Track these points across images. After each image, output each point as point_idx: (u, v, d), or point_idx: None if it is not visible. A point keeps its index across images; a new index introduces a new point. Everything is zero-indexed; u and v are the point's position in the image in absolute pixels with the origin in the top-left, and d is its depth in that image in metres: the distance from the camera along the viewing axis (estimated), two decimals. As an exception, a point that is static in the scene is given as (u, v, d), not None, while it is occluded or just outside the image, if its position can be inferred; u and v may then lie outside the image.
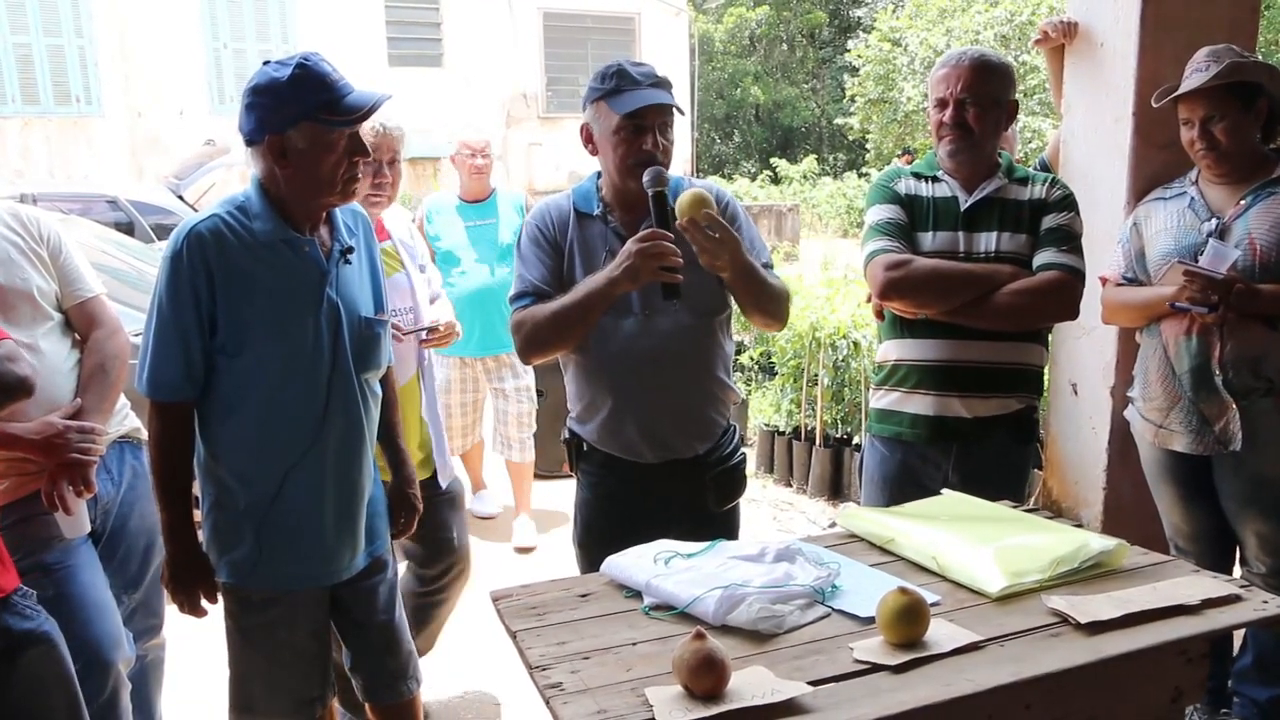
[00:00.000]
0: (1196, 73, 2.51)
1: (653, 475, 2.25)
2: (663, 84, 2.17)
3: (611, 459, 2.28)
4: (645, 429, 2.23)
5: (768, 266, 2.25)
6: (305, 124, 1.88)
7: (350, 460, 2.06)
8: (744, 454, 2.40)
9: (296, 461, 1.98)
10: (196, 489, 2.09)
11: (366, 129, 2.51)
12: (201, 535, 2.07)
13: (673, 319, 2.19)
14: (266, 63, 1.93)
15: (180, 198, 9.50)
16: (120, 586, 2.39)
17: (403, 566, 3.02)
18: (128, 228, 8.11)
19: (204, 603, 2.07)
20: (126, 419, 2.44)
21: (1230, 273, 2.41)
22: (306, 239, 1.98)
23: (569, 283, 2.20)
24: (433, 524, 2.84)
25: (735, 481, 2.36)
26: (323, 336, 1.98)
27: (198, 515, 2.09)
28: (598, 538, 2.28)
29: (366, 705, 2.32)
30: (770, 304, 2.24)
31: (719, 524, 2.27)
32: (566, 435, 2.38)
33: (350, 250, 2.06)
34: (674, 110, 2.18)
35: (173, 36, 13.55)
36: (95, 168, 12.43)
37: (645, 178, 2.11)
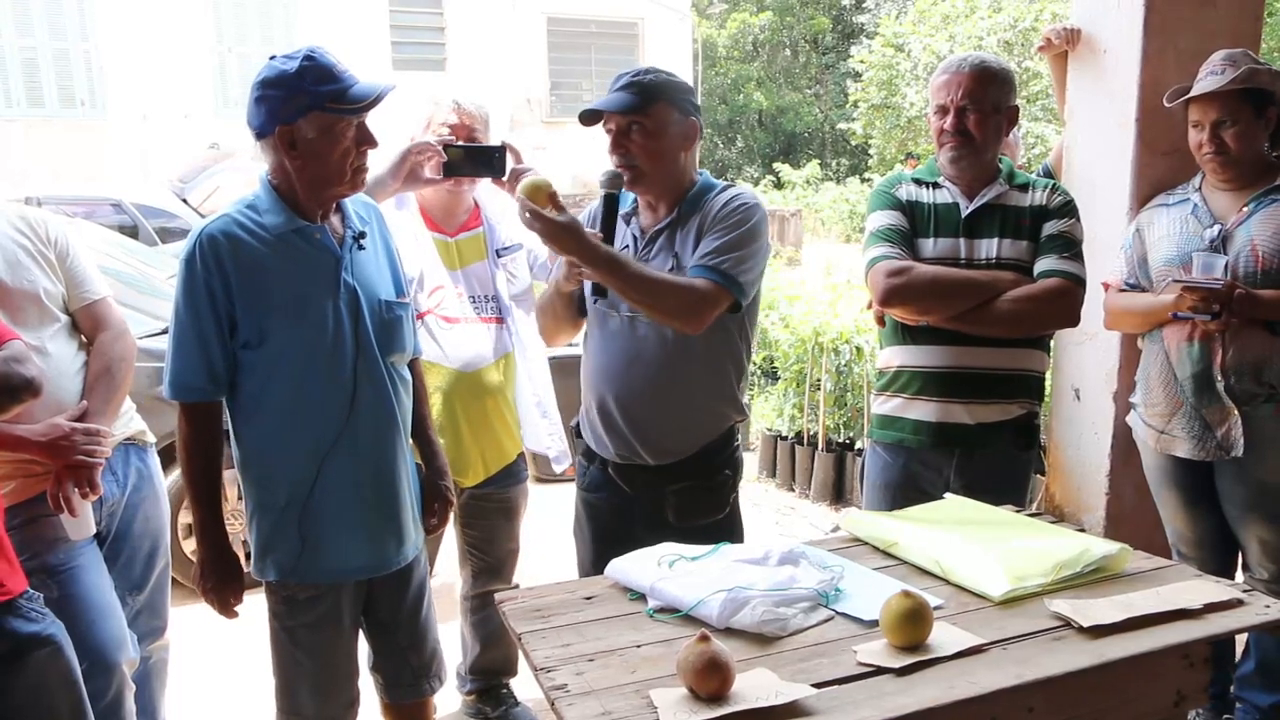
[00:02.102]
0: (1211, 75, 2.51)
1: (620, 474, 2.32)
2: (632, 86, 2.17)
3: (593, 451, 2.37)
4: (610, 426, 2.28)
5: (711, 268, 2.13)
6: (314, 114, 1.92)
7: (385, 444, 2.08)
8: (728, 475, 2.35)
9: (330, 448, 2.00)
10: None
11: (446, 108, 2.62)
12: (250, 543, 2.09)
13: (654, 325, 2.21)
14: (273, 57, 1.96)
15: (184, 201, 9.52)
16: (125, 588, 2.40)
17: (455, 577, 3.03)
18: (132, 231, 8.13)
19: (235, 604, 2.08)
20: (132, 421, 2.45)
21: (1229, 279, 2.42)
22: (317, 226, 2.02)
23: None
24: (501, 534, 2.92)
25: (702, 502, 2.30)
26: (344, 321, 2.01)
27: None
28: (581, 527, 2.43)
29: (382, 704, 2.32)
30: (638, 292, 2.10)
31: (685, 539, 2.02)
32: (574, 422, 2.46)
33: (363, 235, 2.08)
34: (629, 112, 2.16)
35: (177, 40, 13.56)
36: (100, 171, 12.45)
37: (599, 177, 2.20)
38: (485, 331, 2.73)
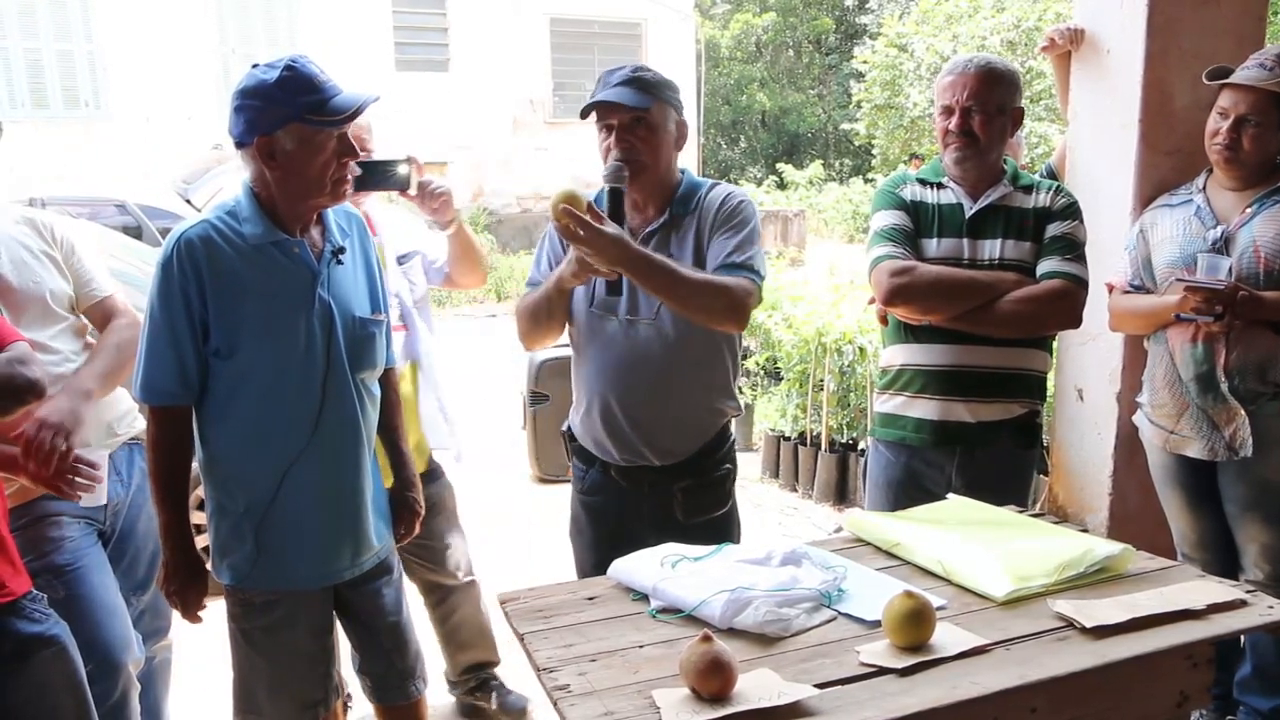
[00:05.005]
0: (1259, 68, 2.47)
1: (623, 475, 2.30)
2: (634, 82, 2.17)
3: (589, 454, 2.35)
4: (613, 430, 2.27)
5: (742, 266, 2.16)
6: (293, 125, 1.90)
7: (348, 460, 2.07)
8: (728, 469, 2.37)
9: (293, 462, 1.99)
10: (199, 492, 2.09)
11: None
12: (209, 542, 2.09)
13: (654, 326, 2.21)
14: (255, 66, 1.95)
15: (188, 202, 9.53)
16: (129, 588, 2.40)
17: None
18: (136, 232, 8.16)
19: (199, 609, 2.08)
20: (136, 420, 2.45)
21: (1232, 281, 2.41)
22: (296, 240, 2.00)
23: None
24: (435, 530, 2.89)
25: (708, 498, 2.33)
26: (315, 337, 2.00)
27: (199, 518, 2.10)
28: (581, 530, 2.40)
29: (374, 706, 2.32)
30: (689, 297, 2.11)
31: (692, 535, 2.10)
32: (564, 427, 2.44)
33: (342, 250, 2.07)
34: (638, 107, 2.15)
35: (181, 41, 13.58)
36: (104, 172, 12.48)
37: (603, 172, 2.16)
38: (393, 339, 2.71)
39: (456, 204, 2.76)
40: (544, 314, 2.28)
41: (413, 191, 2.57)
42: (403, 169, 2.51)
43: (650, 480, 2.29)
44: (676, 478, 2.28)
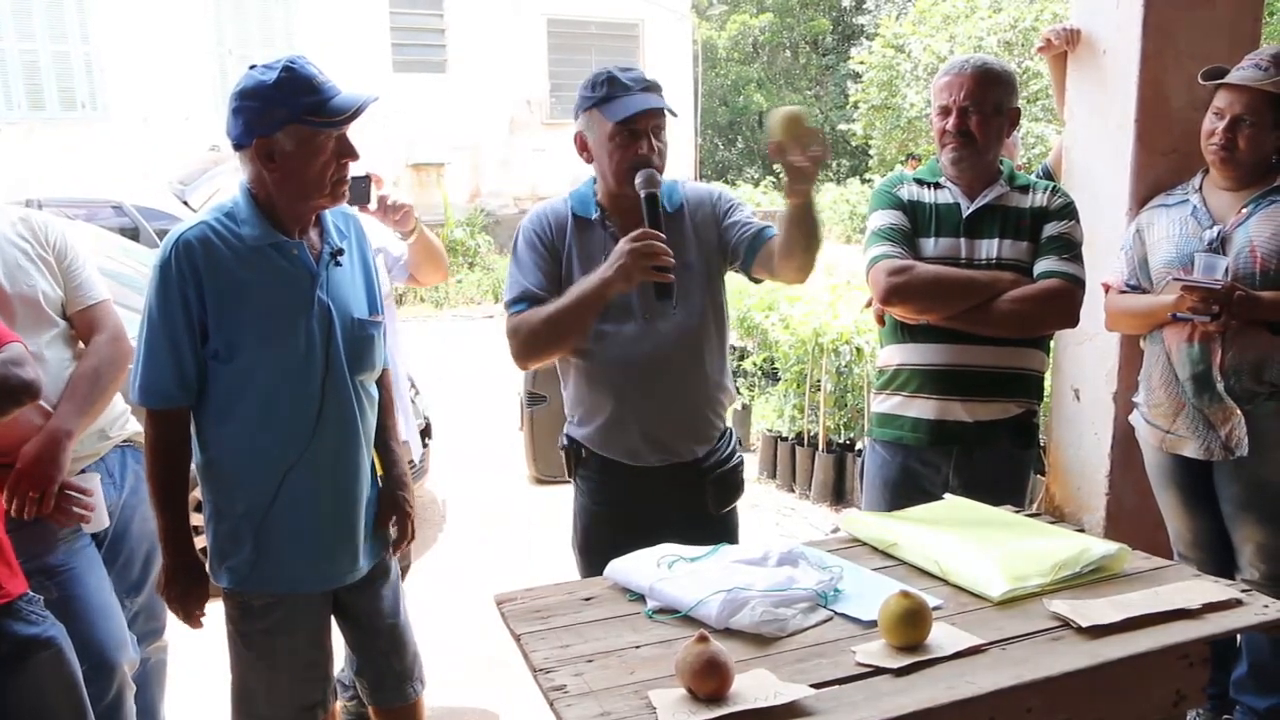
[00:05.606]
0: (1254, 69, 2.47)
1: (652, 478, 2.26)
2: (653, 88, 2.18)
3: (610, 464, 2.29)
4: (647, 432, 2.24)
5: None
6: (292, 126, 1.89)
7: (346, 463, 2.07)
8: (741, 457, 2.41)
9: (293, 465, 1.99)
10: (198, 494, 2.09)
11: None
12: (205, 544, 2.08)
13: (673, 323, 2.21)
14: (253, 67, 1.95)
15: (185, 203, 9.52)
16: (123, 590, 2.40)
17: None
18: (133, 233, 8.15)
19: (200, 614, 2.08)
20: (128, 424, 2.45)
21: (1229, 280, 2.42)
22: (295, 242, 1.99)
23: (568, 286, 2.20)
24: None
25: (734, 484, 2.37)
26: (315, 339, 1.99)
27: (196, 519, 2.10)
28: (597, 543, 2.30)
29: (371, 708, 2.32)
30: (816, 244, 2.17)
31: (717, 527, 2.28)
32: (564, 442, 2.37)
33: (340, 252, 2.07)
34: (666, 113, 2.18)
35: (178, 42, 13.56)
36: (101, 173, 12.45)
37: (637, 179, 2.12)
38: None
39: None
40: (572, 326, 2.15)
41: (373, 207, 2.64)
42: (363, 186, 2.57)
43: (681, 477, 2.27)
44: (707, 470, 2.30)
